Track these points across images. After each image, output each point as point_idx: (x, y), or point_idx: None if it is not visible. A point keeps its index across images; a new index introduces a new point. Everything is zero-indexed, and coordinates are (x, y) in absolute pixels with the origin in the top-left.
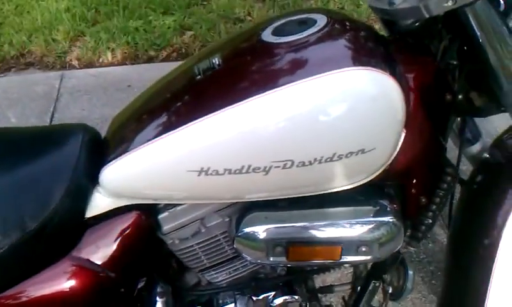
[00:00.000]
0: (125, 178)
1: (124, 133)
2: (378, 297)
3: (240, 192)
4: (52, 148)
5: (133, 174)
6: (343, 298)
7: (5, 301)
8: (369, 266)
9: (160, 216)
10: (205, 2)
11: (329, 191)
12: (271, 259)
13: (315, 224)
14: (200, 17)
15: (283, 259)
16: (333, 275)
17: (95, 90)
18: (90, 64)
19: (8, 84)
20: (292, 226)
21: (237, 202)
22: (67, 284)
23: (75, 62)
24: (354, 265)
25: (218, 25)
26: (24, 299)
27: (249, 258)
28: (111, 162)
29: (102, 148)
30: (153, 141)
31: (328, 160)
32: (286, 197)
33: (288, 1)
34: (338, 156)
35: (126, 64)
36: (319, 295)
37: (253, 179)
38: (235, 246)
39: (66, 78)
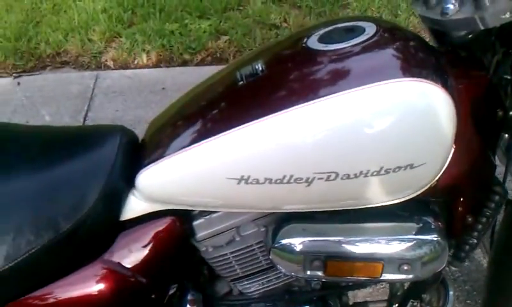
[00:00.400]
0: (161, 183)
1: (162, 138)
2: None
3: (279, 203)
4: (89, 148)
5: (170, 180)
6: None
7: (34, 301)
8: (407, 284)
9: (195, 223)
10: (241, 8)
11: (373, 206)
12: (308, 273)
13: (356, 238)
14: (236, 22)
15: (321, 273)
16: (365, 291)
17: (130, 91)
18: (125, 66)
19: (43, 82)
20: (332, 240)
21: (274, 212)
22: (97, 287)
23: (110, 63)
24: (393, 282)
25: (254, 31)
26: (54, 300)
27: (284, 271)
28: (147, 166)
29: (139, 151)
30: (192, 146)
31: (375, 174)
32: (326, 209)
33: (324, 9)
34: (386, 170)
35: (161, 67)
36: None
37: (294, 190)
38: (270, 257)
39: (100, 79)
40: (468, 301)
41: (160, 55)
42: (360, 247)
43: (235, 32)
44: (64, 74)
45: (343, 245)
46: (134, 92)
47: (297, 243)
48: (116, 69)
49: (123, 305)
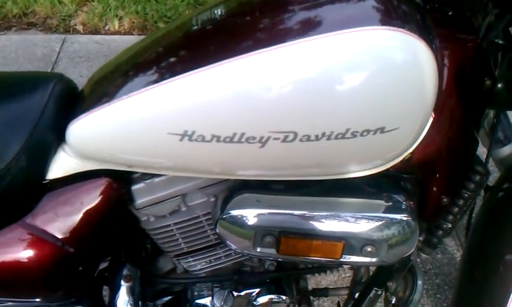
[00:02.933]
0: (94, 137)
1: (101, 87)
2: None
3: (229, 166)
4: (16, 95)
5: (104, 133)
6: (338, 304)
7: None
8: (372, 270)
9: (134, 187)
10: None
11: (335, 177)
12: (258, 250)
13: (314, 214)
14: None
15: (273, 251)
16: (328, 278)
17: (97, 57)
18: (95, 31)
19: (7, 42)
20: (287, 214)
21: (225, 180)
22: (17, 254)
23: (79, 27)
24: (356, 267)
25: None
26: None
27: (232, 247)
28: (79, 117)
29: (75, 102)
30: (130, 95)
31: (339, 136)
32: (283, 179)
33: None
34: (352, 133)
35: (133, 34)
36: (311, 298)
37: (246, 151)
38: (217, 230)
39: (68, 43)
40: (438, 295)
41: (134, 22)
42: (319, 223)
43: None
44: (30, 36)
45: (299, 219)
46: (101, 58)
47: (248, 215)
48: (85, 34)
49: (45, 276)
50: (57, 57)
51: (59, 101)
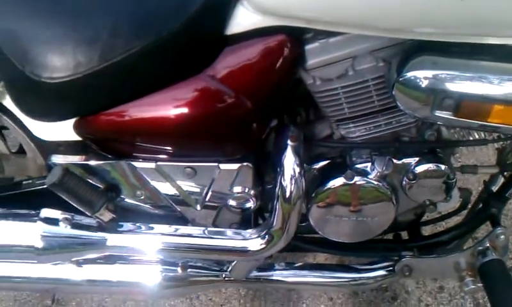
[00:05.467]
0: None
1: None
2: None
3: (420, 18)
4: None
5: None
6: (484, 181)
7: (129, 113)
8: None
9: (308, 46)
10: None
11: None
12: (436, 113)
13: (498, 77)
14: None
15: (450, 115)
16: None
17: None
18: None
19: None
20: (469, 76)
21: (399, 43)
22: (197, 105)
23: None
24: None
25: None
26: (149, 113)
27: (407, 109)
28: None
29: None
30: None
31: None
32: (471, 40)
33: None
34: None
35: None
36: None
37: (447, 3)
38: (393, 93)
39: None
40: None
41: None
42: (503, 88)
43: None
44: None
45: (482, 83)
46: None
47: (427, 76)
48: None
49: (222, 128)
50: None
51: None
